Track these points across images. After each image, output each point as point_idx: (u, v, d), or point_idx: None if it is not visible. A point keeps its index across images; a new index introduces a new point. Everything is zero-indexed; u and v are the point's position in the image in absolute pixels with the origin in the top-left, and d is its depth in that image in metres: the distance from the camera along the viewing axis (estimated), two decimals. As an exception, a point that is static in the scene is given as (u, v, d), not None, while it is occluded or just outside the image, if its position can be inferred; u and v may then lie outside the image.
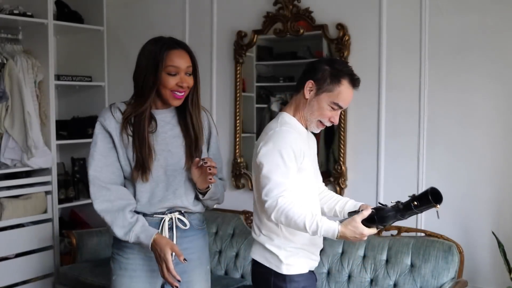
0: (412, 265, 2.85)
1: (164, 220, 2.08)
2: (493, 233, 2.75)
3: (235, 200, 3.56)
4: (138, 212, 2.07)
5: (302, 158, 2.03)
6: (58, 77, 4.03)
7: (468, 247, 2.88)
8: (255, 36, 3.54)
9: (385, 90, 3.13)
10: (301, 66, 2.18)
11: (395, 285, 2.86)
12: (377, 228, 1.92)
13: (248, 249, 3.31)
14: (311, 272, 2.17)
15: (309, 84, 2.05)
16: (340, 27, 3.22)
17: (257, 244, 2.14)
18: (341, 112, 3.11)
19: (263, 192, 1.97)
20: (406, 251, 2.88)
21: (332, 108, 2.06)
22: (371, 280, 2.92)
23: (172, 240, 2.07)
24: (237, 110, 3.63)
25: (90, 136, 3.98)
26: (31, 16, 3.77)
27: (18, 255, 3.70)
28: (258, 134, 2.14)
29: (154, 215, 2.08)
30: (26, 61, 3.76)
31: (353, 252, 3.00)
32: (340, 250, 3.04)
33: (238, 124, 3.63)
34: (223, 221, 3.51)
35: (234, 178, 3.63)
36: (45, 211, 3.84)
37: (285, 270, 2.06)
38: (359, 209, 2.07)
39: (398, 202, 1.90)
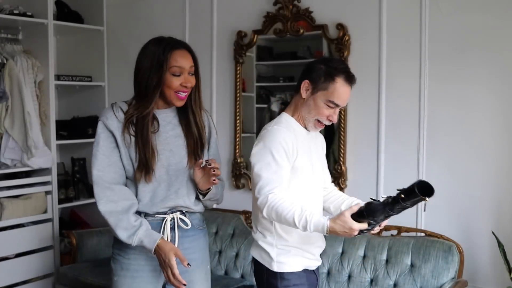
0: (412, 265, 2.85)
1: (166, 220, 2.09)
2: (493, 233, 2.75)
3: (235, 200, 3.56)
4: (140, 212, 2.07)
5: (295, 157, 2.05)
6: (58, 77, 4.03)
7: (468, 247, 2.88)
8: (255, 36, 3.54)
9: (385, 90, 3.13)
10: (301, 66, 2.19)
11: (395, 285, 2.86)
12: (369, 225, 1.90)
13: (248, 249, 3.31)
14: (307, 271, 2.16)
15: (305, 84, 2.08)
16: (340, 27, 3.22)
17: (254, 241, 2.18)
18: (341, 112, 3.19)
19: (255, 189, 2.00)
20: (406, 251, 2.88)
21: (328, 106, 2.06)
22: (371, 280, 2.92)
23: (174, 240, 2.08)
24: (237, 110, 3.63)
25: (90, 136, 4.07)
26: (31, 16, 3.78)
27: (18, 255, 3.70)
28: (258, 134, 2.16)
29: (156, 215, 2.09)
30: (26, 61, 3.76)
31: (353, 252, 3.00)
32: (340, 250, 3.04)
33: (238, 124, 3.63)
34: (223, 221, 3.51)
35: (234, 178, 3.63)
36: (45, 211, 3.84)
37: (276, 267, 2.09)
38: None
39: (388, 196, 1.88)
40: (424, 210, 1.86)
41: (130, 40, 4.04)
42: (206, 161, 2.02)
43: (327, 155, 2.37)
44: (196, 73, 2.08)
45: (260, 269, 2.15)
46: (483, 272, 2.89)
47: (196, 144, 2.12)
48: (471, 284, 2.86)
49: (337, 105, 2.07)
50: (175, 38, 2.09)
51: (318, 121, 2.11)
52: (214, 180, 2.01)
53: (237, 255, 3.38)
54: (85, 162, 4.26)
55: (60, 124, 4.05)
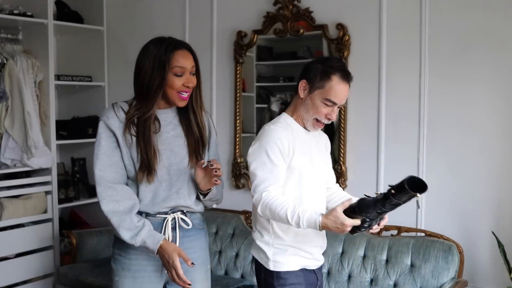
0: (412, 265, 2.85)
1: (167, 220, 2.09)
2: (493, 233, 2.75)
3: (235, 200, 3.56)
4: (141, 212, 2.07)
5: (291, 156, 2.07)
6: (58, 77, 4.03)
7: (468, 247, 2.88)
8: (255, 36, 3.54)
9: (385, 90, 3.13)
10: (301, 66, 2.19)
11: (395, 285, 2.86)
12: (363, 222, 1.90)
13: (248, 249, 3.32)
14: (305, 270, 2.17)
15: (303, 83, 2.11)
16: (340, 27, 3.22)
17: (253, 240, 2.21)
18: (341, 112, 3.19)
19: (251, 188, 2.04)
20: (406, 251, 2.88)
21: (326, 104, 2.08)
22: (371, 280, 2.92)
23: (175, 240, 2.08)
24: (237, 110, 3.63)
25: (90, 136, 4.08)
26: (31, 16, 3.78)
27: (18, 255, 3.70)
28: (258, 134, 2.17)
29: (157, 215, 2.09)
30: (26, 61, 3.76)
31: (353, 252, 3.00)
32: (340, 250, 3.04)
33: (238, 124, 3.63)
34: (223, 221, 3.51)
35: (234, 178, 3.63)
36: (45, 211, 3.84)
37: (272, 266, 2.11)
38: None
39: (382, 193, 1.88)
40: (419, 207, 1.85)
41: (130, 40, 4.04)
42: (208, 161, 2.03)
43: (327, 155, 2.36)
44: (197, 73, 2.09)
45: (259, 268, 2.18)
46: (483, 272, 2.89)
47: (197, 144, 2.12)
48: (471, 284, 2.86)
49: (334, 103, 2.08)
50: (175, 38, 2.09)
51: (317, 120, 2.12)
52: (216, 180, 2.01)
53: (237, 255, 3.38)
54: (85, 162, 4.26)
55: (60, 124, 4.05)
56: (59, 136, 4.00)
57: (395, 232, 3.02)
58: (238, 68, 3.61)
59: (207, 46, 3.72)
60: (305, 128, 2.18)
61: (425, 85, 3.01)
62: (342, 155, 3.24)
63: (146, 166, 2.02)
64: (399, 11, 3.08)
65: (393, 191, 1.81)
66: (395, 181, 3.14)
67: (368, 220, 1.91)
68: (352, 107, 3.22)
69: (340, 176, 3.24)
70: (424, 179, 1.84)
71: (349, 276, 2.98)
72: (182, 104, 2.08)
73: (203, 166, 2.04)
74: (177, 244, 2.08)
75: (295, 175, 2.09)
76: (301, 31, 3.36)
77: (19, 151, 3.74)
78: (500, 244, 2.69)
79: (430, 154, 3.02)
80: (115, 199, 2.01)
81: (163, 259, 2.02)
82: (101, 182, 2.02)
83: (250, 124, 3.66)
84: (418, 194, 1.78)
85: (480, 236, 2.88)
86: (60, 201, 3.99)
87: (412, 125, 3.06)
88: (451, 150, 2.97)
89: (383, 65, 3.12)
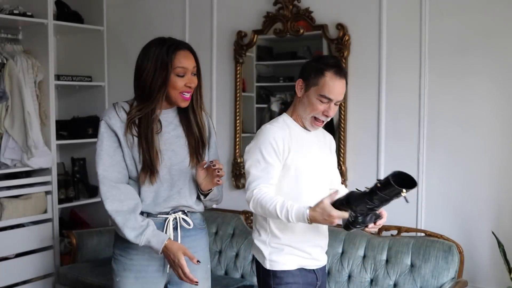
0: (412, 265, 2.85)
1: (169, 220, 2.09)
2: (493, 233, 2.75)
3: (235, 200, 3.56)
4: (142, 212, 2.07)
5: (286, 154, 2.09)
6: (58, 77, 4.03)
7: (468, 247, 2.88)
8: (255, 36, 3.54)
9: (385, 90, 3.13)
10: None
11: (395, 285, 2.86)
12: (355, 218, 1.89)
13: (248, 249, 3.32)
14: (303, 270, 2.17)
15: (299, 82, 2.14)
16: (340, 27, 3.22)
17: (252, 239, 2.23)
18: (341, 112, 3.19)
19: (246, 186, 2.07)
20: (406, 251, 2.88)
21: (321, 101, 2.08)
22: (371, 280, 2.92)
23: (177, 240, 2.08)
24: (237, 110, 3.63)
25: (90, 136, 4.07)
26: (31, 16, 3.77)
27: (18, 255, 3.70)
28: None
29: (158, 215, 2.09)
30: (26, 61, 3.76)
31: (353, 252, 3.00)
32: (340, 250, 3.04)
33: (238, 124, 3.63)
34: (223, 221, 3.51)
35: (234, 178, 3.63)
36: (45, 211, 3.84)
37: (268, 265, 2.14)
38: None
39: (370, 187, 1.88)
40: (407, 202, 1.82)
41: (130, 40, 4.04)
42: (210, 162, 2.03)
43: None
44: (198, 74, 2.09)
45: (258, 266, 2.21)
46: (483, 272, 2.89)
47: (197, 144, 2.13)
48: (471, 284, 2.86)
49: (329, 99, 2.08)
50: (175, 38, 2.10)
51: (315, 118, 2.13)
52: (219, 181, 2.02)
53: (237, 255, 3.38)
54: (85, 162, 4.26)
55: (60, 124, 4.05)
56: (59, 136, 4.00)
57: (395, 232, 3.02)
58: (238, 68, 3.61)
59: (207, 46, 3.72)
60: (305, 128, 2.18)
61: (425, 85, 3.01)
62: (342, 154, 3.24)
63: (148, 167, 2.02)
64: (399, 11, 3.08)
65: (379, 185, 1.79)
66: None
67: (359, 215, 1.90)
68: (352, 107, 3.22)
69: (340, 176, 3.23)
70: (409, 173, 1.81)
71: (349, 276, 2.98)
72: (184, 104, 2.08)
73: (204, 167, 2.04)
74: None
75: (291, 174, 2.10)
76: (301, 31, 3.36)
77: (19, 151, 3.74)
78: (500, 244, 2.69)
79: (430, 154, 3.02)
80: (119, 199, 2.00)
81: (168, 259, 2.02)
82: (105, 181, 2.01)
83: (250, 124, 3.66)
84: (404, 190, 1.76)
85: (480, 236, 2.88)
86: (60, 201, 3.99)
87: (412, 125, 3.06)
88: (451, 150, 2.97)
89: (383, 65, 3.12)
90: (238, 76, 3.62)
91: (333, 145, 2.33)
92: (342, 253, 3.03)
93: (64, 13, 4.08)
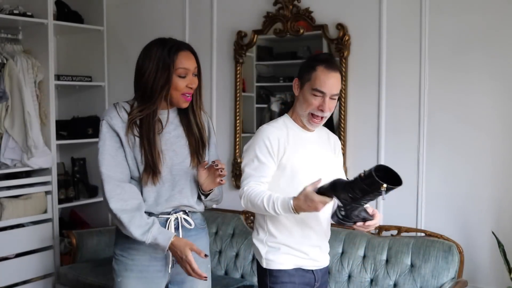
0: (412, 265, 2.85)
1: (170, 220, 2.09)
2: (493, 233, 2.75)
3: (235, 200, 3.52)
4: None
5: (282, 154, 2.11)
6: (58, 77, 4.03)
7: (468, 247, 2.88)
8: (255, 36, 3.54)
9: (385, 90, 3.13)
10: (301, 66, 2.22)
11: (395, 285, 2.86)
12: (338, 208, 1.90)
13: (248, 249, 3.32)
14: (301, 270, 2.18)
15: (295, 81, 2.18)
16: (340, 27, 3.22)
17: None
18: (341, 112, 3.19)
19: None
20: (406, 251, 2.88)
21: (315, 95, 2.10)
22: (371, 280, 2.92)
23: None
24: (237, 110, 3.63)
25: (90, 136, 4.07)
26: (31, 16, 3.77)
27: (18, 255, 3.70)
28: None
29: (160, 215, 2.09)
30: (26, 61, 3.76)
31: (353, 252, 3.00)
32: (340, 250, 3.04)
33: (238, 124, 3.63)
34: (223, 221, 3.51)
35: (234, 178, 3.63)
36: (45, 211, 3.84)
37: (264, 264, 2.16)
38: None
39: None
40: (383, 199, 1.81)
41: (130, 40, 4.04)
42: (212, 162, 2.04)
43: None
44: (198, 74, 2.10)
45: (257, 265, 2.23)
46: (483, 272, 2.89)
47: (197, 144, 2.14)
48: (471, 284, 2.86)
49: (322, 92, 2.09)
50: (176, 39, 2.10)
51: (312, 115, 2.13)
52: (222, 180, 2.03)
53: (237, 255, 3.38)
54: (85, 162, 4.26)
55: (60, 124, 4.05)
56: (59, 136, 4.00)
57: (395, 232, 3.02)
58: (238, 68, 3.61)
59: (207, 46, 3.72)
60: (306, 128, 2.19)
61: (425, 85, 3.01)
62: (342, 153, 3.23)
63: (151, 168, 2.02)
64: (399, 11, 3.08)
65: (362, 175, 1.79)
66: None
67: (343, 206, 1.89)
68: (352, 107, 3.22)
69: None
70: (396, 171, 1.80)
71: (349, 276, 2.98)
72: (185, 105, 2.09)
73: (206, 167, 2.05)
74: None
75: (287, 173, 2.12)
76: (301, 31, 3.36)
77: (19, 151, 3.74)
78: (500, 244, 2.69)
79: (430, 155, 3.02)
80: (123, 198, 2.00)
81: (175, 255, 2.01)
82: (109, 180, 2.01)
83: (250, 124, 3.66)
84: (384, 185, 1.74)
85: (480, 236, 2.88)
86: (60, 201, 3.99)
87: (412, 125, 3.06)
88: (451, 150, 2.97)
89: (383, 65, 3.12)
90: (238, 76, 3.62)
91: (338, 146, 2.33)
92: (342, 253, 3.04)
93: (64, 13, 4.08)
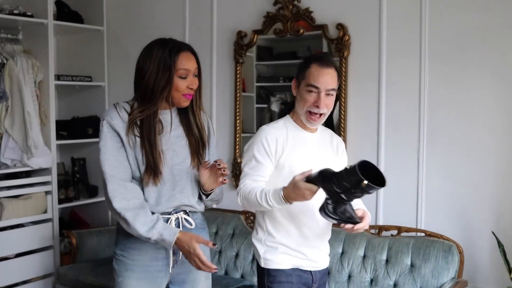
0: (412, 265, 2.85)
1: (171, 220, 2.09)
2: (493, 233, 2.75)
3: (235, 200, 3.50)
4: None
5: (280, 154, 2.13)
6: (58, 77, 4.03)
7: (468, 247, 2.88)
8: (255, 36, 3.54)
9: (385, 90, 3.13)
10: (301, 66, 2.22)
11: (395, 285, 2.86)
12: (326, 202, 1.90)
13: (248, 249, 3.32)
14: (299, 270, 2.18)
15: (293, 82, 2.20)
16: (340, 27, 3.22)
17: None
18: (340, 112, 3.19)
19: None
20: (406, 251, 2.88)
21: (310, 91, 2.12)
22: (371, 280, 2.92)
23: None
24: (237, 110, 3.63)
25: (90, 136, 4.07)
26: (31, 16, 3.77)
27: (18, 255, 3.70)
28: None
29: (161, 215, 2.08)
30: (26, 61, 3.76)
31: (353, 252, 3.00)
32: (340, 250, 3.04)
33: (238, 124, 3.63)
34: (223, 221, 3.51)
35: (234, 178, 3.63)
36: (45, 211, 3.84)
37: (262, 263, 2.18)
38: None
39: None
40: (360, 195, 1.80)
41: (130, 40, 4.04)
42: (214, 161, 2.04)
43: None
44: (198, 75, 2.10)
45: (256, 264, 2.25)
46: (483, 272, 2.89)
47: (197, 144, 2.14)
48: (471, 284, 2.86)
49: (315, 87, 2.10)
50: (176, 39, 2.10)
51: (310, 112, 2.14)
52: (224, 180, 2.04)
53: (237, 255, 3.38)
54: (85, 162, 4.26)
55: (60, 124, 4.04)
56: (59, 136, 4.00)
57: (395, 232, 3.02)
58: (238, 68, 3.61)
59: (207, 46, 3.72)
60: (306, 128, 2.20)
61: (425, 85, 3.01)
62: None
63: (152, 169, 2.02)
64: (399, 11, 3.08)
65: (347, 168, 1.80)
66: (395, 181, 3.16)
67: (329, 199, 1.89)
68: (352, 107, 3.22)
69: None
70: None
71: (349, 276, 2.98)
72: (186, 104, 2.09)
73: (208, 166, 2.05)
74: None
75: (285, 173, 2.12)
76: (301, 31, 3.36)
77: (19, 151, 3.74)
78: (500, 244, 2.69)
79: (430, 155, 3.02)
80: (125, 197, 2.00)
81: (183, 250, 2.00)
82: (112, 180, 2.00)
83: (250, 124, 3.66)
84: (365, 181, 1.74)
85: (480, 236, 2.88)
86: (60, 201, 3.99)
87: (412, 125, 3.06)
88: (451, 150, 2.97)
89: (383, 65, 3.12)
90: (238, 76, 3.62)
91: (341, 148, 2.33)
92: (342, 253, 3.04)
93: (64, 13, 4.08)
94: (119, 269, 2.12)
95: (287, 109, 2.28)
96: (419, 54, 3.02)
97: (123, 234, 2.09)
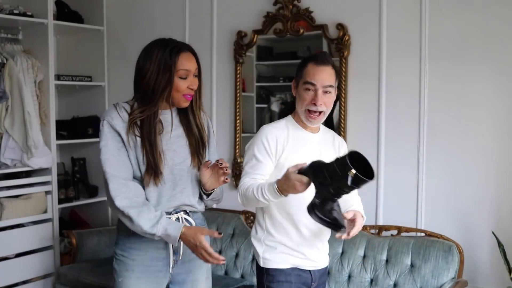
0: (412, 265, 2.85)
1: (171, 219, 2.09)
2: (493, 233, 2.75)
3: (235, 200, 3.50)
4: None
5: (280, 153, 2.13)
6: (58, 77, 4.03)
7: (468, 247, 2.88)
8: (255, 36, 3.54)
9: (385, 90, 3.13)
10: (301, 66, 2.22)
11: (395, 285, 2.86)
12: (316, 195, 1.88)
13: (248, 249, 3.32)
14: (298, 270, 2.19)
15: (293, 83, 2.22)
16: (340, 27, 3.22)
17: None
18: (341, 112, 3.19)
19: None
20: (406, 251, 2.88)
21: (307, 89, 2.13)
22: (371, 280, 2.92)
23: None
24: (237, 110, 3.63)
25: (90, 136, 4.08)
26: (31, 16, 3.77)
27: (18, 255, 3.70)
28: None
29: None
30: (26, 61, 3.76)
31: (353, 252, 3.00)
32: (340, 250, 3.04)
33: (238, 124, 3.63)
34: (223, 221, 3.51)
35: (234, 178, 3.63)
36: (45, 211, 3.84)
37: (262, 263, 2.19)
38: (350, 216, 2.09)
39: None
40: (348, 185, 1.78)
41: (130, 40, 4.04)
42: (216, 160, 2.04)
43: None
44: (198, 75, 2.10)
45: (256, 264, 2.25)
46: (483, 272, 2.89)
47: (197, 144, 2.14)
48: (471, 284, 2.86)
49: (312, 84, 2.11)
50: (176, 40, 2.10)
51: (309, 111, 2.14)
52: (226, 179, 2.04)
53: (237, 255, 3.38)
54: (85, 162, 4.26)
55: (60, 124, 4.04)
56: (59, 136, 4.00)
57: (395, 232, 3.02)
58: (238, 68, 3.61)
59: (207, 46, 3.72)
60: (307, 128, 2.20)
61: (425, 85, 3.01)
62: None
63: (152, 169, 2.02)
64: (399, 11, 3.08)
65: (338, 157, 1.80)
66: (395, 181, 3.16)
67: (318, 195, 1.88)
68: (352, 107, 3.22)
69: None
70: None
71: (349, 276, 2.98)
72: (186, 104, 2.10)
73: (209, 166, 2.05)
74: (180, 244, 2.08)
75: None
76: (301, 31, 3.36)
77: (19, 151, 3.74)
78: (500, 244, 2.69)
79: (430, 155, 3.02)
80: (128, 196, 1.99)
81: (189, 244, 1.99)
82: (114, 179, 2.00)
83: (250, 124, 3.66)
84: (353, 170, 1.72)
85: (480, 236, 2.88)
86: (60, 201, 3.99)
87: (412, 125, 3.06)
88: (451, 150, 2.97)
89: (383, 65, 3.12)
90: (238, 76, 3.62)
91: (343, 149, 2.33)
92: (342, 253, 3.04)
93: (64, 13, 4.08)
94: (119, 269, 2.12)
95: (287, 109, 2.28)
96: (419, 54, 3.02)
97: (124, 234, 2.09)
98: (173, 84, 2.02)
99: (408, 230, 3.00)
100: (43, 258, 3.80)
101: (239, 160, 3.61)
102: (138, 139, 2.04)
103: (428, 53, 3.00)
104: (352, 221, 2.06)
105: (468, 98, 2.91)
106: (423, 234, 2.96)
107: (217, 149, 2.31)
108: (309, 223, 2.17)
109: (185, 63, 2.03)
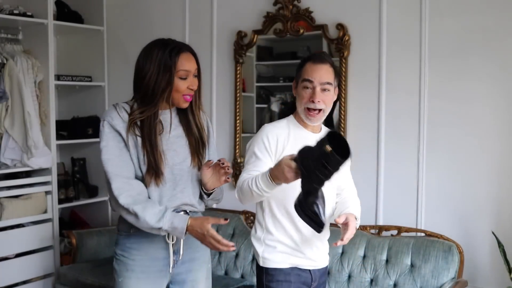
0: (412, 265, 2.85)
1: None
2: (493, 233, 2.75)
3: (235, 200, 3.50)
4: None
5: (280, 152, 2.13)
6: (58, 77, 4.03)
7: (468, 247, 2.88)
8: (255, 36, 3.54)
9: (385, 90, 3.13)
10: (301, 66, 2.22)
11: (395, 285, 2.86)
12: (302, 183, 1.88)
13: (248, 249, 3.32)
14: (297, 269, 2.19)
15: (293, 83, 2.23)
16: (340, 27, 3.22)
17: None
18: (341, 112, 3.19)
19: None
20: (406, 251, 2.88)
21: (305, 87, 2.14)
22: (371, 280, 2.92)
23: (179, 240, 2.08)
24: (237, 110, 3.63)
25: (90, 136, 4.08)
26: (31, 16, 3.77)
27: (18, 255, 3.70)
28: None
29: None
30: (26, 61, 3.76)
31: (353, 252, 3.00)
32: (340, 250, 3.04)
33: (238, 124, 3.63)
34: (223, 221, 3.51)
35: (234, 178, 3.63)
36: (45, 211, 3.84)
37: (261, 262, 2.19)
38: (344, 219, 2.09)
39: None
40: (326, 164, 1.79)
41: (130, 40, 4.04)
42: (218, 160, 2.05)
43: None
44: (198, 75, 2.10)
45: (256, 263, 2.26)
46: (483, 272, 2.89)
47: (197, 144, 2.14)
48: (471, 284, 2.86)
49: (309, 81, 2.12)
50: (176, 40, 2.10)
51: (308, 109, 2.15)
52: (228, 178, 2.05)
53: (237, 255, 3.38)
54: (85, 162, 4.26)
55: (60, 124, 4.05)
56: (59, 136, 4.00)
57: (395, 232, 3.02)
58: (238, 68, 3.61)
59: (207, 46, 3.72)
60: (308, 127, 2.20)
61: (425, 85, 3.01)
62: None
63: (153, 169, 2.02)
64: (399, 11, 3.08)
65: (322, 138, 1.80)
66: (395, 180, 3.16)
67: (303, 186, 1.87)
68: (352, 107, 3.22)
69: (340, 176, 3.24)
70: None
71: (349, 276, 2.98)
72: (186, 105, 2.10)
73: (211, 165, 2.06)
74: (181, 244, 2.09)
75: None
76: (301, 31, 3.36)
77: (19, 151, 3.74)
78: (500, 244, 2.69)
79: (430, 154, 3.02)
80: (131, 194, 1.99)
81: (196, 235, 1.98)
82: (116, 178, 2.00)
83: (250, 124, 3.66)
84: (328, 146, 1.75)
85: (480, 236, 2.88)
86: (60, 201, 3.99)
87: (412, 125, 3.06)
88: (451, 150, 2.97)
89: (383, 65, 3.13)
90: (238, 76, 3.62)
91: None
92: (342, 253, 3.04)
93: (64, 13, 4.08)
94: (119, 269, 2.12)
95: (287, 109, 2.29)
96: (419, 54, 3.02)
97: (124, 234, 2.10)
98: (173, 84, 2.02)
99: (408, 230, 3.00)
100: (43, 258, 3.80)
101: (239, 160, 3.61)
102: (139, 139, 2.04)
103: (428, 52, 3.00)
104: (345, 225, 2.06)
105: (468, 98, 2.91)
106: (423, 234, 2.96)
107: (217, 149, 2.31)
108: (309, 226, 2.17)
109: (185, 63, 2.03)
